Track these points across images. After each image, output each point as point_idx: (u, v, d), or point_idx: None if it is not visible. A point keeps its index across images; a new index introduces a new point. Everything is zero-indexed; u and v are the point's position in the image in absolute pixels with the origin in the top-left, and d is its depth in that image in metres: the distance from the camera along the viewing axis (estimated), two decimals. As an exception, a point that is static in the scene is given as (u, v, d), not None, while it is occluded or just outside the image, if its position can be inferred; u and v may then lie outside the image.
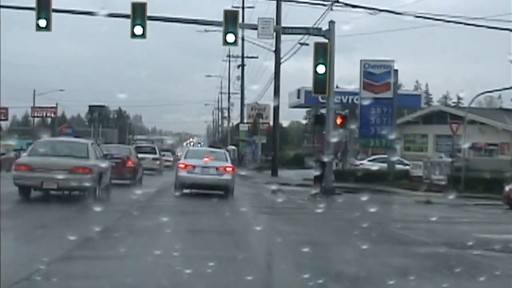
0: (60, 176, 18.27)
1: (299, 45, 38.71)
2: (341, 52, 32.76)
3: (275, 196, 26.49)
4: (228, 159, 24.78)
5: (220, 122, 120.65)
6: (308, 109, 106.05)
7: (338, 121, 29.76)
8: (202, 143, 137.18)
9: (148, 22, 26.57)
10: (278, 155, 54.86)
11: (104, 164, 20.44)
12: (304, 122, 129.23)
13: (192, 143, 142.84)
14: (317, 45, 27.70)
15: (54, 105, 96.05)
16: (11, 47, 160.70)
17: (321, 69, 27.26)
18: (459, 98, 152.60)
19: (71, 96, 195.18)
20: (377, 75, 37.10)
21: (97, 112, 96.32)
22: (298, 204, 24.08)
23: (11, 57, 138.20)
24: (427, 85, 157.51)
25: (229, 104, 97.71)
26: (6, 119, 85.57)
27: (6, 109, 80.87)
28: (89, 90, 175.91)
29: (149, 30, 26.29)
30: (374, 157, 48.42)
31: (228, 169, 23.44)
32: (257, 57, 68.45)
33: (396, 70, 38.02)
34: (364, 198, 21.70)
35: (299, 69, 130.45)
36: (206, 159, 23.84)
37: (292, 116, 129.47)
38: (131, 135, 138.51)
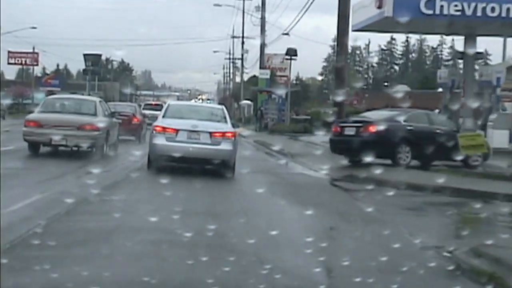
0: (69, 133, 18.81)
1: None
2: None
3: None
4: (228, 119, 17.68)
5: (231, 76, 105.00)
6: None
7: None
8: (211, 100, 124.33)
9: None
10: (306, 113, 47.11)
11: (111, 122, 20.97)
12: (319, 78, 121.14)
13: (200, 99, 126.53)
14: None
15: (32, 51, 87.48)
16: None
17: None
18: (487, 54, 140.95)
19: (75, 50, 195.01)
20: None
21: (90, 62, 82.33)
22: None
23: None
24: (452, 39, 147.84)
25: (243, 48, 78.25)
26: None
27: None
28: (97, 44, 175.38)
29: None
30: None
31: (228, 134, 16.62)
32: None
33: None
34: None
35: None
36: (194, 121, 16.88)
37: (306, 72, 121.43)
38: (131, 90, 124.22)
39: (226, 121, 17.40)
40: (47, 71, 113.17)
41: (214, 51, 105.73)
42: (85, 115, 19.71)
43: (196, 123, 16.65)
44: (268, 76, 55.96)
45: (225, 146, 16.39)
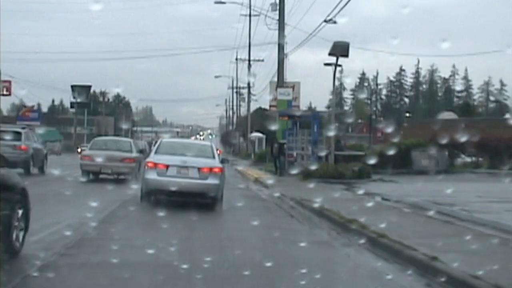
0: (113, 164, 26.46)
1: None
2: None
3: None
4: (216, 155, 19.17)
5: (234, 108, 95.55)
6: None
7: None
8: (213, 135, 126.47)
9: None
10: (341, 144, 33.55)
11: (141, 156, 28.67)
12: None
13: (202, 136, 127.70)
14: None
15: (6, 79, 77.33)
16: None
17: None
18: (502, 85, 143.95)
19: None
20: None
21: (77, 93, 76.42)
22: None
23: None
24: (466, 70, 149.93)
25: (250, 63, 65.20)
26: None
27: None
28: (102, 81, 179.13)
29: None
30: None
31: (215, 169, 17.96)
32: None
33: None
34: None
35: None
36: (184, 157, 18.15)
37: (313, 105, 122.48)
38: (125, 125, 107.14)
39: (213, 157, 18.91)
40: (42, 107, 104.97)
41: (216, 76, 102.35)
42: (124, 152, 27.37)
43: (185, 159, 18.07)
44: (290, 97, 41.14)
45: (212, 180, 17.81)
